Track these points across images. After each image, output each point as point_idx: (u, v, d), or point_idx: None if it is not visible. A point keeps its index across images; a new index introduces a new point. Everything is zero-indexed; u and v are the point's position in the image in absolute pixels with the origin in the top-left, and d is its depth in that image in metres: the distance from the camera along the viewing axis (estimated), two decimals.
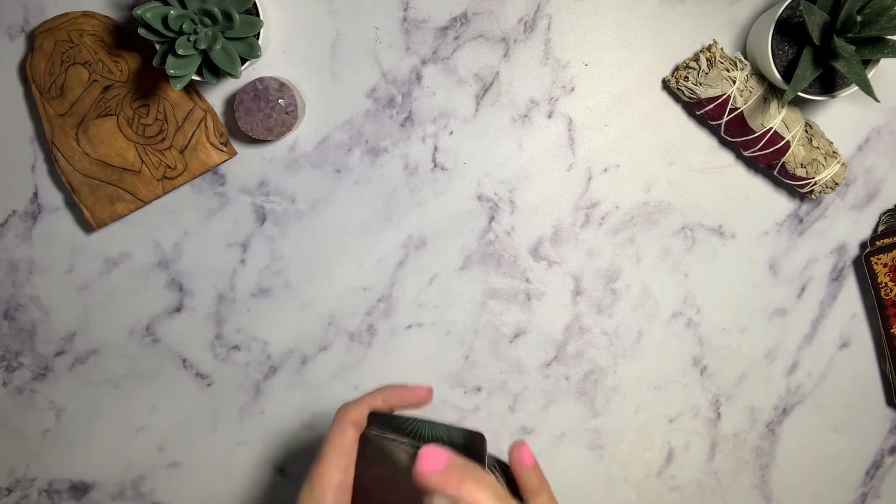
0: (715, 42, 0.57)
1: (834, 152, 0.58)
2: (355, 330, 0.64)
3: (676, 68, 0.59)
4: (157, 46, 0.54)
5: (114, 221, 0.61)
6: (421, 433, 0.44)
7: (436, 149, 0.61)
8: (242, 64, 0.54)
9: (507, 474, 0.48)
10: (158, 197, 0.60)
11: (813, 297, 0.64)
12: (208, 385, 0.65)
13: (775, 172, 0.59)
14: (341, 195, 0.62)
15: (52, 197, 0.62)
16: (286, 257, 0.63)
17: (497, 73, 0.60)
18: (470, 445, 0.44)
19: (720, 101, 0.57)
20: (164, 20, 0.51)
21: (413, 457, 0.42)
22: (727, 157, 0.62)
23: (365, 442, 0.44)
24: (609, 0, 0.59)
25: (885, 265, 0.61)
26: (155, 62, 0.53)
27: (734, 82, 0.56)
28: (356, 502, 0.44)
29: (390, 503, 0.43)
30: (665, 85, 0.60)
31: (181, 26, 0.52)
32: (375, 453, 0.44)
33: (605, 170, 0.62)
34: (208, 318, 0.64)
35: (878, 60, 0.54)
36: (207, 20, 0.52)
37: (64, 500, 0.67)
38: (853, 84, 0.54)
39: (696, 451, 0.66)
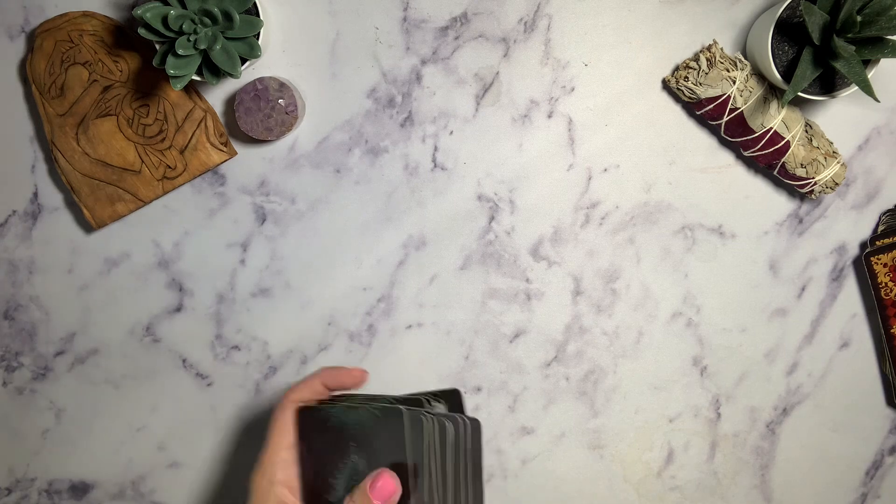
0: (715, 42, 0.57)
1: (834, 152, 0.58)
2: (355, 330, 0.64)
3: (676, 68, 0.59)
4: (157, 46, 0.54)
5: (114, 221, 0.61)
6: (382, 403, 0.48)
7: (436, 149, 0.61)
8: (242, 64, 0.54)
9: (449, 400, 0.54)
10: (158, 197, 0.60)
11: (813, 297, 0.64)
12: (208, 385, 0.65)
13: (775, 172, 0.59)
14: (341, 195, 0.62)
15: (52, 197, 0.62)
16: (286, 257, 0.63)
17: (497, 73, 0.60)
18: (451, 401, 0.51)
19: (720, 101, 0.57)
20: (164, 20, 0.51)
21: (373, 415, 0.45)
22: (727, 157, 0.62)
23: (303, 413, 0.47)
24: (609, 0, 0.59)
25: (885, 265, 0.61)
26: (155, 62, 0.53)
27: (734, 82, 0.56)
28: (300, 472, 0.47)
29: (326, 462, 0.46)
30: (665, 85, 0.60)
31: (181, 26, 0.52)
32: (312, 422, 0.47)
33: (605, 170, 0.62)
34: (208, 318, 0.64)
35: (878, 60, 0.54)
36: (207, 20, 0.52)
37: (64, 500, 0.67)
38: (853, 84, 0.54)
39: (696, 451, 0.66)
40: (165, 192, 0.60)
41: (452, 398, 0.55)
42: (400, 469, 0.44)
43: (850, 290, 0.64)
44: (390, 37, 0.60)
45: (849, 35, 0.51)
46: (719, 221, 0.63)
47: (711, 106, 0.57)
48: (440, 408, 0.54)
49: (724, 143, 0.61)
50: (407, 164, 0.62)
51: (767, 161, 0.59)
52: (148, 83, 0.58)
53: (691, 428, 0.66)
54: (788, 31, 0.54)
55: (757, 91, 0.57)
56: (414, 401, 0.51)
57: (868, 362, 0.65)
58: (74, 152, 0.59)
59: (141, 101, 0.58)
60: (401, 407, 0.45)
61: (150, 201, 0.60)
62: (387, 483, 0.44)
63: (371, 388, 0.65)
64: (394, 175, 0.62)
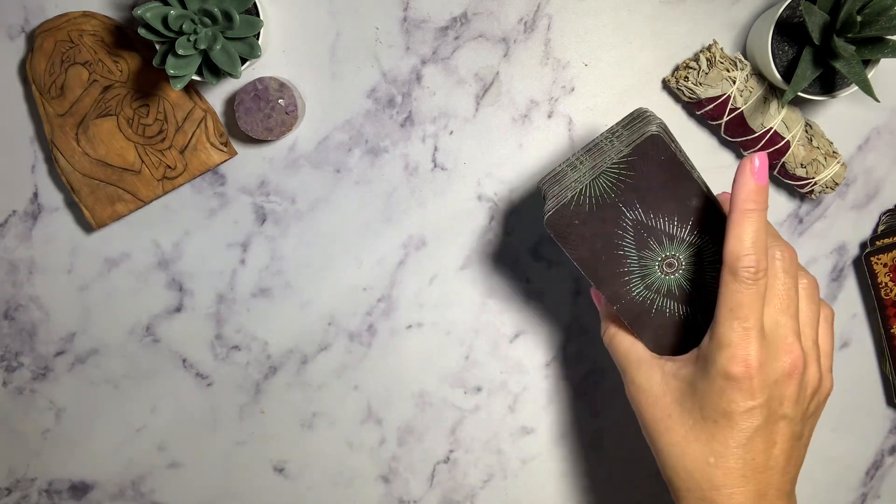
0: (715, 42, 0.57)
1: (834, 152, 0.58)
2: (355, 330, 0.64)
3: (676, 68, 0.59)
4: (157, 46, 0.54)
5: (114, 221, 0.61)
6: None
7: (436, 149, 0.61)
8: (242, 64, 0.54)
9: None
10: (158, 197, 0.60)
11: None
12: (208, 385, 0.65)
13: (775, 172, 0.59)
14: (341, 195, 0.62)
15: (52, 197, 0.62)
16: (286, 257, 0.63)
17: (497, 73, 0.60)
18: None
19: (720, 101, 0.57)
20: (164, 20, 0.51)
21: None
22: (727, 157, 0.62)
23: (553, 221, 0.44)
24: (609, 0, 0.59)
25: (885, 265, 0.61)
26: (155, 62, 0.53)
27: (734, 82, 0.56)
28: (589, 275, 0.46)
29: (603, 243, 0.45)
30: (665, 85, 0.60)
31: (181, 26, 0.52)
32: (565, 222, 0.45)
33: None
34: (208, 318, 0.64)
35: (878, 60, 0.54)
36: (207, 20, 0.52)
37: (64, 500, 0.67)
38: (853, 84, 0.54)
39: None
40: (165, 192, 0.60)
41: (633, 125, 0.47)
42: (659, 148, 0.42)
43: (850, 290, 0.64)
44: (390, 37, 0.60)
45: (849, 35, 0.51)
46: None
47: (711, 106, 0.57)
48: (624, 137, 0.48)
49: (724, 143, 0.61)
50: (407, 164, 0.62)
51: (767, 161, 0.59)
52: (148, 83, 0.58)
53: None
54: (788, 31, 0.54)
55: (757, 91, 0.57)
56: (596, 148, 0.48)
57: (868, 362, 0.65)
58: (74, 152, 0.59)
59: (141, 101, 0.58)
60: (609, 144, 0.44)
61: (150, 201, 0.60)
62: (761, 157, 0.42)
63: (371, 387, 0.65)
64: (394, 175, 0.62)
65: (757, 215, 0.41)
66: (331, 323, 0.64)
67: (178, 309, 0.64)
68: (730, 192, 0.44)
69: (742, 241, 0.41)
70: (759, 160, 0.42)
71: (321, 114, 0.61)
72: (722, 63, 0.57)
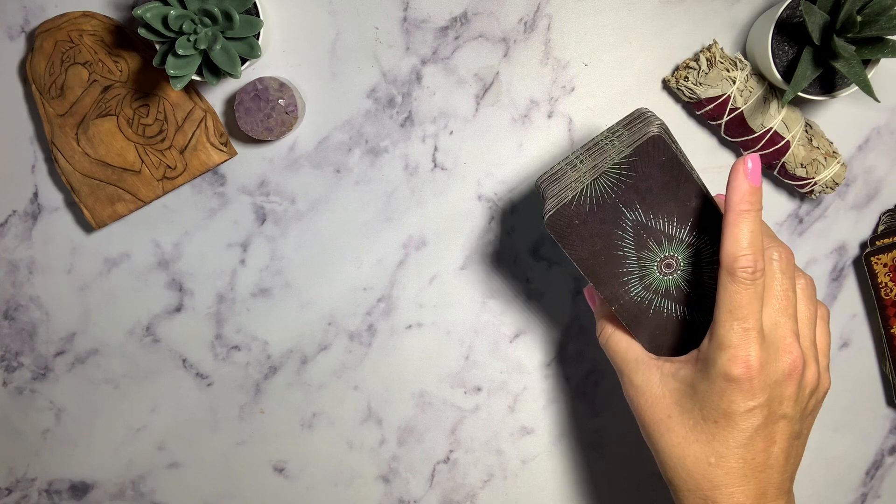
0: (715, 42, 0.57)
1: (834, 152, 0.58)
2: (355, 330, 0.64)
3: (676, 68, 0.59)
4: (157, 46, 0.54)
5: (114, 221, 0.61)
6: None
7: (436, 149, 0.61)
8: (242, 64, 0.54)
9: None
10: (158, 197, 0.60)
11: None
12: (208, 385, 0.65)
13: (775, 172, 0.59)
14: (341, 195, 0.62)
15: (52, 197, 0.62)
16: (286, 257, 0.63)
17: (497, 73, 0.60)
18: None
19: (720, 101, 0.57)
20: (164, 20, 0.51)
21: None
22: (727, 157, 0.62)
23: (554, 221, 0.45)
24: (609, 0, 0.59)
25: (885, 265, 0.61)
26: (155, 62, 0.53)
27: (734, 82, 0.56)
28: (587, 273, 0.47)
29: (603, 245, 0.45)
30: (665, 85, 0.60)
31: (181, 26, 0.52)
32: (567, 220, 0.45)
33: None
34: (208, 318, 0.64)
35: (878, 60, 0.54)
36: (207, 20, 0.52)
37: (64, 500, 0.67)
38: (853, 84, 0.54)
39: None
40: (165, 192, 0.60)
41: (634, 124, 0.47)
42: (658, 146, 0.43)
43: (850, 290, 0.64)
44: (390, 37, 0.60)
45: (849, 35, 0.51)
46: None
47: (711, 106, 0.57)
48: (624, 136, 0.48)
49: (724, 143, 0.61)
50: (407, 164, 0.62)
51: (767, 161, 0.59)
52: (148, 83, 0.58)
53: None
54: (788, 31, 0.54)
55: (757, 91, 0.57)
56: (597, 148, 0.48)
57: (868, 362, 0.65)
58: (74, 152, 0.59)
59: (141, 101, 0.58)
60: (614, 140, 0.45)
61: (150, 201, 0.60)
62: (753, 159, 0.41)
63: (371, 387, 0.65)
64: (394, 175, 0.62)
65: (752, 216, 0.41)
66: (331, 323, 0.64)
67: (178, 309, 0.64)
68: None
69: (738, 242, 0.41)
70: (751, 161, 0.42)
71: (321, 114, 0.61)
72: (722, 63, 0.57)
